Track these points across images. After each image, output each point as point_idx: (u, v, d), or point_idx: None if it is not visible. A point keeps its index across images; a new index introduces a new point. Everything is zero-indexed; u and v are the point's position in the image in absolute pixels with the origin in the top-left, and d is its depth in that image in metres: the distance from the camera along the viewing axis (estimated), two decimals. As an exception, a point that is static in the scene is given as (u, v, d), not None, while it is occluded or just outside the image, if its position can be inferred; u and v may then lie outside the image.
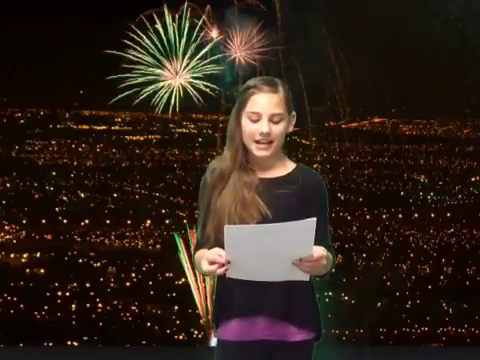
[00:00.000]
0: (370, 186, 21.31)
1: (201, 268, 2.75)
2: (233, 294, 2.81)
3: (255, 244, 2.61)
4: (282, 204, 2.80)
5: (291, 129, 2.90)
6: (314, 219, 2.60)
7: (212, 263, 2.68)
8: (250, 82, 2.86)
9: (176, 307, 18.76)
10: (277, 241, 2.61)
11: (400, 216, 21.01)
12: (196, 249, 2.90)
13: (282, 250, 2.62)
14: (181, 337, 18.55)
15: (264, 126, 2.80)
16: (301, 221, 2.61)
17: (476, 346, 17.13)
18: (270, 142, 2.82)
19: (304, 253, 2.63)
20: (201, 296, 15.20)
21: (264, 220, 2.77)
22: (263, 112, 2.81)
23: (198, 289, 15.20)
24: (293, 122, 2.90)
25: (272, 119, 2.81)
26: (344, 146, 21.30)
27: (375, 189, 21.31)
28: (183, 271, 15.38)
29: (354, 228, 20.66)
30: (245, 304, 2.80)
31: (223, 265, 2.66)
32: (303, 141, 20.45)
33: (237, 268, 2.67)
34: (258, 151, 2.83)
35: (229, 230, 2.61)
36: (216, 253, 2.68)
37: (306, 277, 2.71)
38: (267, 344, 2.82)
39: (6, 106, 20.95)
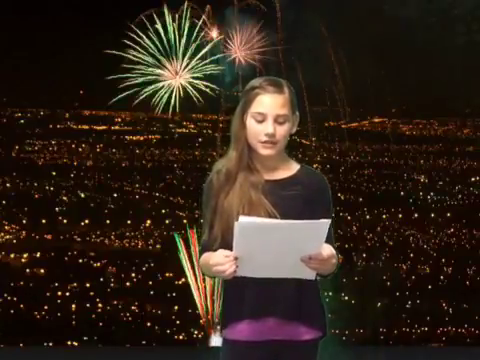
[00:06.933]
0: (370, 186, 21.31)
1: (210, 271, 2.75)
2: (243, 294, 2.81)
3: (266, 239, 2.61)
4: (288, 205, 2.80)
5: (294, 130, 2.91)
6: (328, 221, 2.61)
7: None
8: (255, 82, 2.85)
9: (176, 307, 18.75)
10: (288, 238, 2.61)
11: (400, 216, 21.01)
12: (202, 250, 2.89)
13: (292, 248, 2.63)
14: (181, 337, 18.55)
15: (269, 127, 2.80)
16: (314, 221, 2.62)
17: (476, 346, 17.14)
18: (275, 142, 2.83)
19: (313, 252, 2.65)
20: (201, 296, 15.20)
21: None
22: (268, 113, 2.80)
23: (198, 289, 15.21)
24: (296, 123, 2.90)
25: (277, 120, 2.81)
26: (344, 146, 21.31)
27: (375, 189, 21.31)
28: (183, 271, 15.40)
29: (354, 228, 20.66)
30: (255, 304, 2.80)
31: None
32: (303, 141, 20.46)
33: (244, 265, 2.67)
34: (263, 150, 2.83)
35: (242, 222, 2.60)
36: (222, 255, 2.67)
37: (312, 275, 2.72)
38: (276, 344, 2.82)
39: (6, 106, 20.96)
